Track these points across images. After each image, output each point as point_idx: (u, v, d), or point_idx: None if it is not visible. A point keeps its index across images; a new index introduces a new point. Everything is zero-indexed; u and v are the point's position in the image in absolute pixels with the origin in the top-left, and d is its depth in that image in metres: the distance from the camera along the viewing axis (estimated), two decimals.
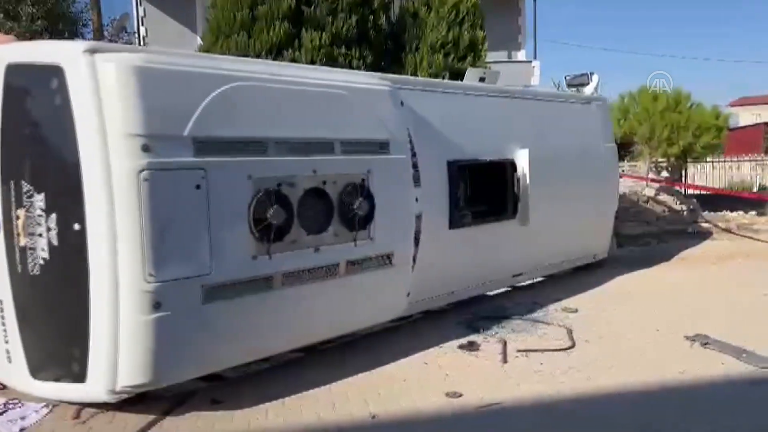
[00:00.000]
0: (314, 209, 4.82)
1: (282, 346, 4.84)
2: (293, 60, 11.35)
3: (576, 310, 6.81)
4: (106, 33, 13.95)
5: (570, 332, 6.01)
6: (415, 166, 5.73)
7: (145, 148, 3.87)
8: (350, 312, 5.23)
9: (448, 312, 6.77)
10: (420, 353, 5.52)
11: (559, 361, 5.30)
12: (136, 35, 17.46)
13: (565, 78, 9.84)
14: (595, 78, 9.48)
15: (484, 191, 6.89)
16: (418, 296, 6.05)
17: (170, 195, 3.99)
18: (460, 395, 4.63)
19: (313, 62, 11.51)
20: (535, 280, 8.26)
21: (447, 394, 4.64)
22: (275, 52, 11.31)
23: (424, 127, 5.98)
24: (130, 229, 3.86)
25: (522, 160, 7.02)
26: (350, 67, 11.78)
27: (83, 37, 13.34)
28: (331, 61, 11.59)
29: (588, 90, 9.29)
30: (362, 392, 4.72)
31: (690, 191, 14.53)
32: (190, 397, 4.57)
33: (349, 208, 5.02)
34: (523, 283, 7.97)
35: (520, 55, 20.42)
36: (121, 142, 3.84)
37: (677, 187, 13.86)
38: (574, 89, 9.55)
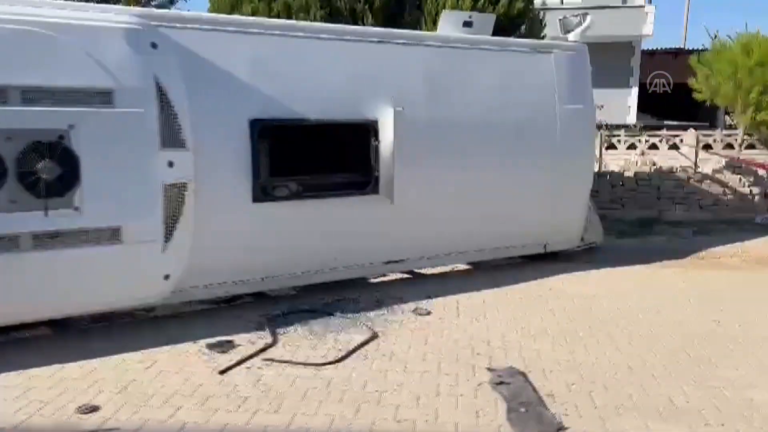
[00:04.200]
0: None
1: None
2: (286, 3, 10.44)
3: (428, 313, 5.40)
4: None
5: (363, 344, 4.71)
6: (173, 122, 4.71)
7: None
8: (49, 294, 4.42)
9: (267, 300, 5.71)
10: (156, 348, 4.62)
11: (285, 380, 4.11)
12: None
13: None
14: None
15: (330, 159, 5.62)
16: (199, 280, 5.10)
17: None
18: (95, 410, 3.73)
19: (307, 3, 10.50)
20: (457, 268, 6.85)
21: (79, 408, 3.75)
22: None
23: (206, 76, 4.91)
24: None
25: (387, 122, 5.61)
26: (353, 11, 10.61)
27: None
28: (329, 4, 10.50)
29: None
30: (20, 390, 3.97)
31: None
32: None
33: (33, 171, 4.21)
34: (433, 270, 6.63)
35: None
36: None
37: None
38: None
